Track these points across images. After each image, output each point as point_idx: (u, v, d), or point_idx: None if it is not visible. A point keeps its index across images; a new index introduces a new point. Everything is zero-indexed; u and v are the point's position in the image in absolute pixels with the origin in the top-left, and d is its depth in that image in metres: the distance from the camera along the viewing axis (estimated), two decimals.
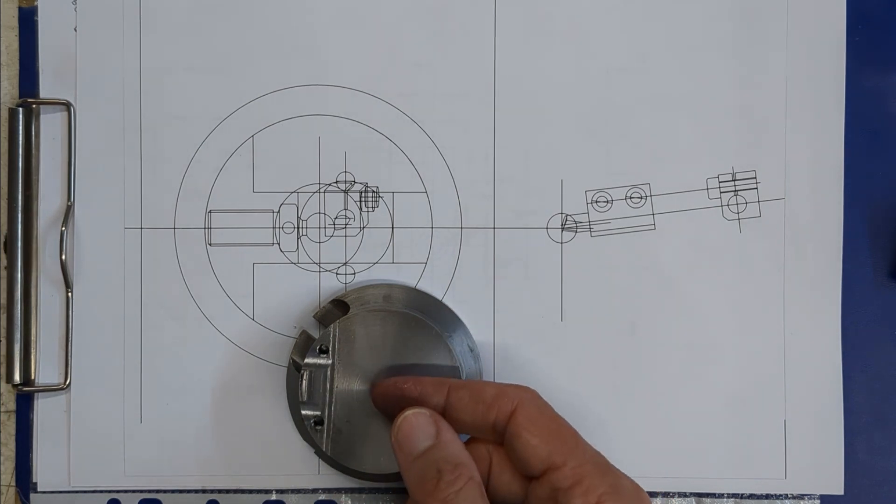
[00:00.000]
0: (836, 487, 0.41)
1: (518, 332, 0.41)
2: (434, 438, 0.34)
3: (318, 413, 0.38)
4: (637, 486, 0.33)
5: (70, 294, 0.40)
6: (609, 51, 0.41)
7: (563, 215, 0.41)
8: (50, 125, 0.41)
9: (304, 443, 0.40)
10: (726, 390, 0.41)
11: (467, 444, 0.35)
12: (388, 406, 0.36)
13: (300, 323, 0.41)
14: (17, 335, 0.40)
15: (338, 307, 0.39)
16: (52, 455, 0.40)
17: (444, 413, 0.35)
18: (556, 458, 0.33)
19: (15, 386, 0.40)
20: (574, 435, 0.34)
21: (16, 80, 0.41)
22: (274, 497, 0.41)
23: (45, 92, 0.40)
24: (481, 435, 0.35)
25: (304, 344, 0.39)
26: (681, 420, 0.40)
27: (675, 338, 0.41)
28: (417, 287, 0.40)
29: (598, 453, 0.34)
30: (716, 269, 0.41)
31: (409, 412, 0.35)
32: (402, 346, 0.37)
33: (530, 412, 0.34)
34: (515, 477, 0.35)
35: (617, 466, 0.34)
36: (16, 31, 0.41)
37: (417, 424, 0.34)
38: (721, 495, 0.41)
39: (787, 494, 0.41)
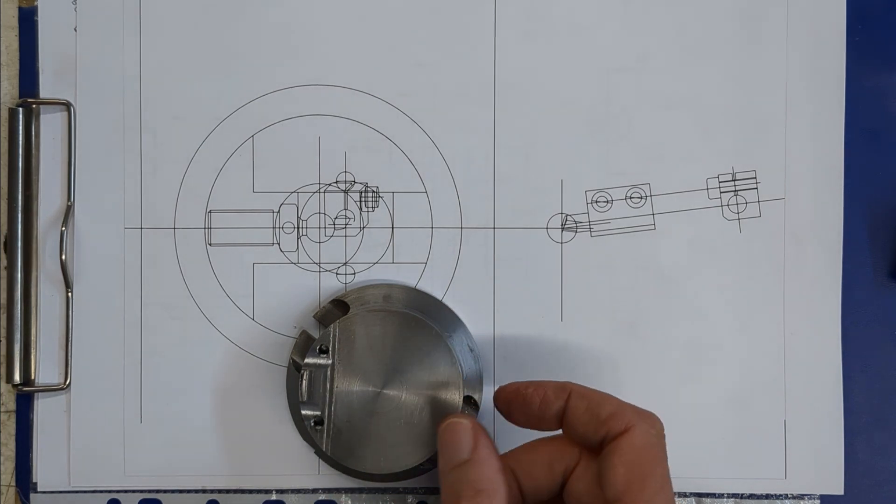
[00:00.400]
0: (836, 487, 0.41)
1: (518, 332, 0.41)
2: (470, 454, 0.34)
3: (318, 413, 0.38)
4: None
5: (70, 294, 0.40)
6: (609, 51, 0.41)
7: (563, 215, 0.41)
8: (50, 125, 0.41)
9: (304, 443, 0.40)
10: (726, 390, 0.41)
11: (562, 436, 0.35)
12: (511, 411, 0.36)
13: (300, 323, 0.41)
14: (17, 335, 0.40)
15: (338, 307, 0.39)
16: (52, 455, 0.40)
17: (563, 418, 0.34)
18: (628, 497, 0.32)
19: (15, 386, 0.40)
20: (663, 484, 0.32)
21: (16, 80, 0.41)
22: (274, 497, 0.41)
23: (45, 92, 0.40)
24: (590, 445, 0.34)
25: (304, 344, 0.39)
26: (681, 420, 0.40)
27: (675, 338, 0.41)
28: (417, 287, 0.40)
29: None
30: (716, 269, 0.41)
31: (453, 419, 0.35)
32: (402, 346, 0.37)
33: (635, 441, 0.33)
34: (590, 490, 0.33)
35: (655, 456, 0.33)
36: (16, 31, 0.41)
37: (457, 434, 0.34)
38: (721, 495, 0.41)
39: (787, 494, 0.41)
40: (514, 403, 0.36)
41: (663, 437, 0.34)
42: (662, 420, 0.41)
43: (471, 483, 0.33)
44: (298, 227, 0.41)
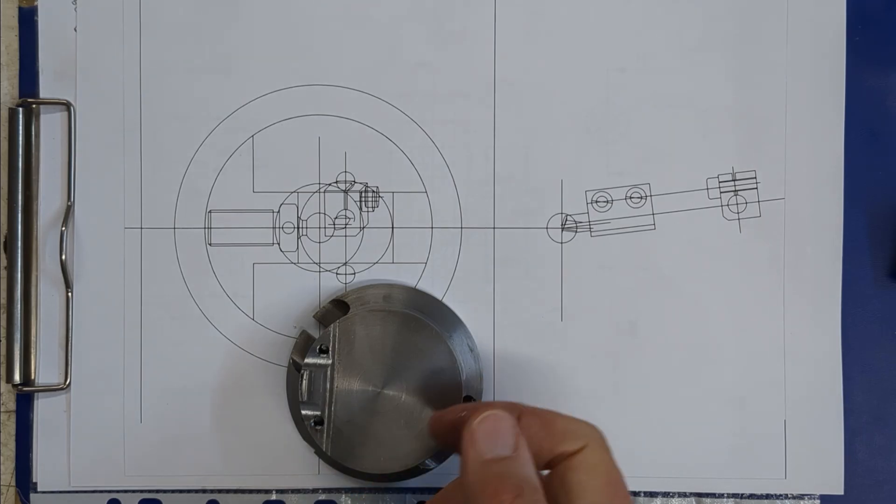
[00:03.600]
0: (836, 487, 0.41)
1: (518, 332, 0.41)
2: (512, 451, 0.31)
3: (318, 413, 0.38)
4: None
5: (70, 294, 0.40)
6: (609, 51, 0.41)
7: (563, 215, 0.41)
8: (50, 125, 0.41)
9: (304, 443, 0.40)
10: (726, 390, 0.41)
11: None
12: (448, 435, 0.34)
13: (300, 323, 0.41)
14: (17, 335, 0.40)
15: (338, 307, 0.39)
16: (52, 455, 0.40)
17: None
18: None
19: (15, 386, 0.40)
20: (627, 492, 0.32)
21: (16, 80, 0.41)
22: (274, 497, 0.41)
23: (45, 92, 0.40)
24: (536, 464, 0.32)
25: (304, 344, 0.39)
26: (681, 420, 0.40)
27: (675, 338, 0.41)
28: (417, 287, 0.41)
29: None
30: (716, 269, 0.41)
31: (495, 411, 0.32)
32: (402, 346, 0.37)
33: (597, 455, 0.32)
34: None
35: (616, 467, 0.33)
36: (16, 31, 0.41)
37: (501, 429, 0.32)
38: (721, 495, 0.41)
39: (787, 494, 0.41)
40: (453, 425, 0.34)
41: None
42: (663, 420, 0.41)
43: (513, 480, 0.30)
44: (298, 227, 0.41)
